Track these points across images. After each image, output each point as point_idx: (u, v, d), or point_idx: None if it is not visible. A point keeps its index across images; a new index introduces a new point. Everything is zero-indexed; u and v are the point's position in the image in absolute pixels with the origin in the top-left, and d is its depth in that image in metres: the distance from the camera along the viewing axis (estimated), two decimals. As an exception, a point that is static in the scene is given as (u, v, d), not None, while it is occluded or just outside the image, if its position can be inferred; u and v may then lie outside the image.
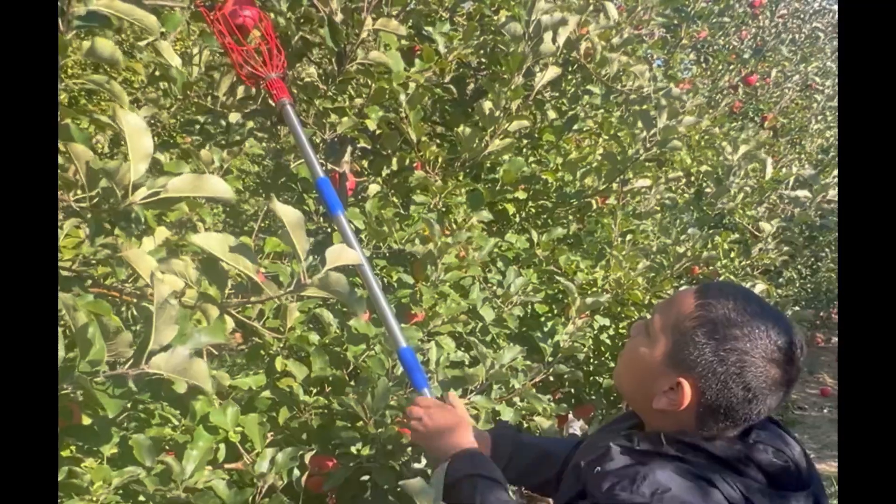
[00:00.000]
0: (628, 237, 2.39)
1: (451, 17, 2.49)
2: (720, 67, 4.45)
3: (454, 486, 1.12)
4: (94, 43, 1.02)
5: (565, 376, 1.96)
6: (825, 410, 4.59)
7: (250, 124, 1.94)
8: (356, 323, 1.84)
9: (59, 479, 1.17)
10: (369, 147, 2.42)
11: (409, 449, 1.64)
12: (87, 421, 1.10)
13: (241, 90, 1.87)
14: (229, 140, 1.92)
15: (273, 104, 1.58)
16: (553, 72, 2.07)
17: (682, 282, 2.46)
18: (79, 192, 1.08)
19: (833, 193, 3.04)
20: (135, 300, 1.20)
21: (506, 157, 2.15)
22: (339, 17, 1.73)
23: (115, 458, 1.35)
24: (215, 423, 1.43)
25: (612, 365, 2.48)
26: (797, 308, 3.12)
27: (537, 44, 1.99)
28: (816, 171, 3.00)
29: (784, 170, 2.97)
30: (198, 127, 1.88)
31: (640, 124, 2.28)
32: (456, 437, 1.24)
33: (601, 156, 2.33)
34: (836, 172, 2.98)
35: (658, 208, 2.40)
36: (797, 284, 4.57)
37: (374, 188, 2.27)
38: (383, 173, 2.44)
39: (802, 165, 4.82)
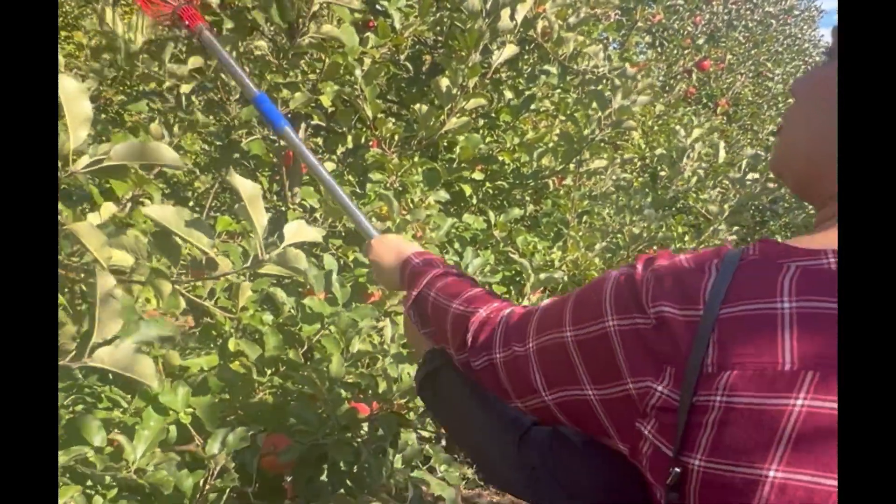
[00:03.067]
0: (584, 218, 2.41)
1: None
2: (675, 52, 4.50)
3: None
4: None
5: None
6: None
7: (197, 102, 1.88)
8: (310, 302, 1.82)
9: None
10: (323, 124, 2.38)
11: (365, 425, 1.63)
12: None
13: (191, 60, 1.82)
14: (178, 115, 1.87)
15: (191, 33, 1.50)
16: (511, 49, 2.06)
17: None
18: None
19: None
20: (81, 276, 1.15)
21: (462, 135, 2.13)
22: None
23: (61, 440, 1.31)
24: (165, 404, 1.40)
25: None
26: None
27: (495, 20, 1.97)
28: (764, 152, 3.05)
29: (738, 154, 3.02)
30: (146, 102, 1.82)
31: (594, 105, 2.29)
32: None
33: (557, 136, 2.33)
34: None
35: (613, 189, 2.41)
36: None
37: (329, 166, 2.23)
38: (338, 151, 2.41)
39: (755, 150, 4.92)
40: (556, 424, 0.81)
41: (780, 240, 0.77)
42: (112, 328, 0.96)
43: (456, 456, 2.91)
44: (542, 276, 1.93)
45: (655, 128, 3.90)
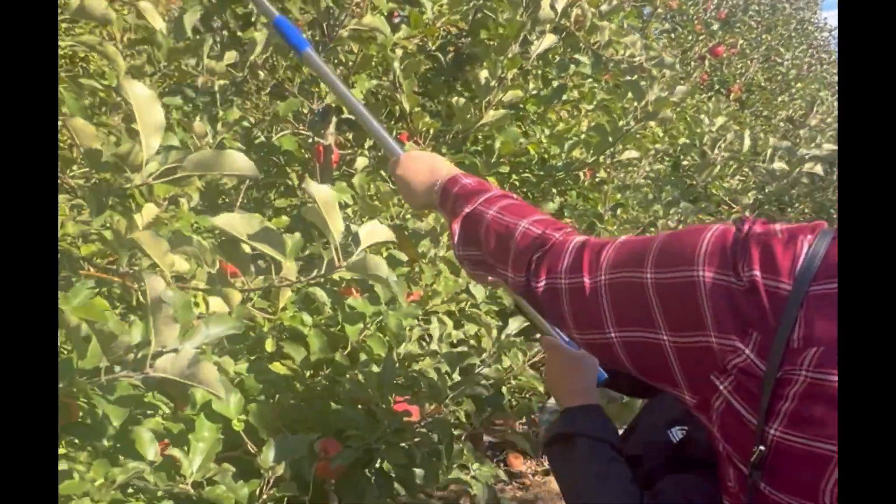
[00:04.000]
0: (618, 211, 2.37)
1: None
2: (690, 38, 4.45)
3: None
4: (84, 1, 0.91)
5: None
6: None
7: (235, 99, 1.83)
8: (353, 301, 1.77)
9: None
10: (353, 118, 2.32)
11: (417, 430, 1.59)
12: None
13: (227, 56, 1.76)
14: (216, 112, 1.82)
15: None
16: (550, 40, 2.01)
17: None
18: (75, 168, 0.98)
19: (809, 166, 3.07)
20: (140, 284, 1.10)
21: (500, 128, 2.08)
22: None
23: (112, 452, 1.26)
24: (219, 412, 1.35)
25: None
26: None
27: (535, 10, 1.92)
28: (794, 145, 3.02)
29: (759, 142, 2.98)
30: (180, 98, 1.76)
31: (629, 95, 2.24)
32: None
33: (590, 128, 2.28)
34: (813, 145, 3.01)
35: (643, 181, 2.37)
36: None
37: (361, 161, 2.18)
38: (365, 145, 2.35)
39: (769, 136, 4.88)
40: (613, 365, 0.80)
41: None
42: (170, 334, 0.92)
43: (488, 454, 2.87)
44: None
45: (674, 115, 3.85)
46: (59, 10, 0.98)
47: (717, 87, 4.91)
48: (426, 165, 1.10)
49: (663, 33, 3.78)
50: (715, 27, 4.54)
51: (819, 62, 6.63)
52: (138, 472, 1.16)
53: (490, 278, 0.98)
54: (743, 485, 0.69)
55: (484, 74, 1.98)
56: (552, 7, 1.92)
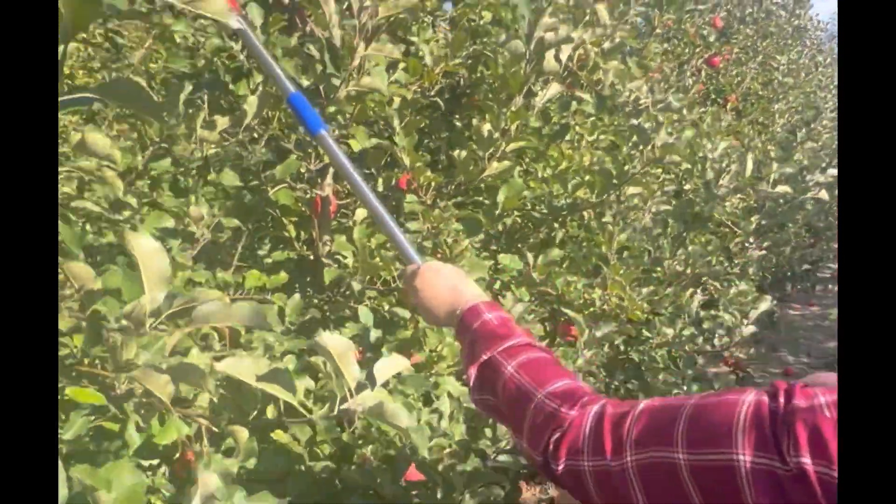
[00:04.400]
0: (624, 253, 2.31)
1: (434, 20, 2.34)
2: (686, 51, 4.39)
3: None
4: (86, 136, 0.85)
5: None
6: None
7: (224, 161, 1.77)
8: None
9: None
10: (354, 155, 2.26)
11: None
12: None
13: (219, 122, 1.70)
14: (205, 174, 1.75)
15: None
16: (555, 88, 1.95)
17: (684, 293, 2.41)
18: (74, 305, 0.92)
19: (814, 192, 3.03)
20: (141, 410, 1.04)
21: (504, 180, 2.03)
22: (337, 42, 1.56)
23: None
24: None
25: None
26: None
27: (539, 62, 1.86)
28: (799, 169, 2.97)
29: (764, 168, 2.93)
30: (169, 160, 1.70)
31: (635, 139, 2.19)
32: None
33: (596, 171, 2.22)
34: (817, 171, 2.97)
35: (651, 223, 2.32)
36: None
37: (360, 213, 2.12)
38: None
39: (767, 147, 4.84)
40: None
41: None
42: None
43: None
44: (598, 333, 1.84)
45: (673, 133, 3.80)
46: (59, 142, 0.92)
47: (713, 96, 4.86)
48: (448, 284, 1.05)
49: (662, 51, 3.72)
50: (712, 38, 4.48)
51: (815, 65, 6.59)
52: None
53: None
54: None
55: (487, 127, 1.92)
56: (556, 59, 1.86)
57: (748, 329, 2.33)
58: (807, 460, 0.61)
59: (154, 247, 0.80)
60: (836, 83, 7.46)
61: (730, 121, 4.75)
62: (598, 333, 1.83)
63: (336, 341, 0.88)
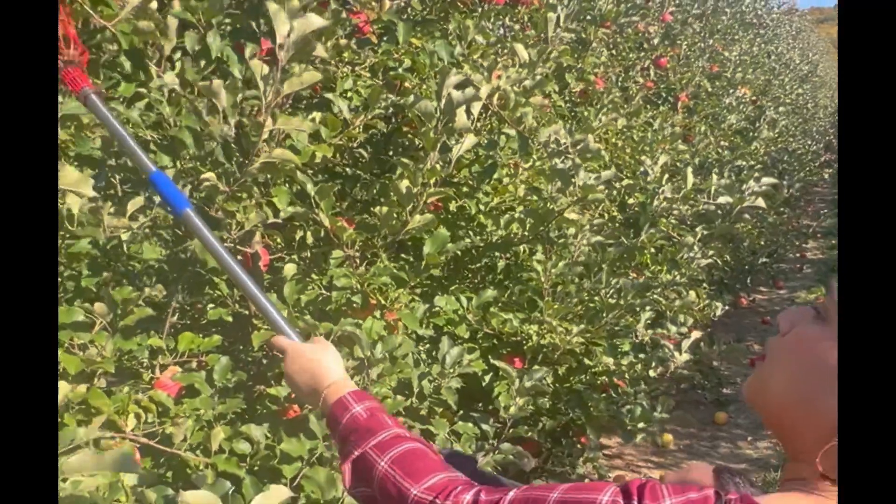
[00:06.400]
0: (558, 288, 2.35)
1: (353, 69, 2.34)
2: (631, 55, 4.42)
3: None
4: None
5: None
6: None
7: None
8: (287, 446, 1.76)
9: None
10: (280, 221, 2.27)
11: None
12: None
13: (131, 204, 1.71)
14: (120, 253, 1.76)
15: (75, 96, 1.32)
16: (470, 142, 1.96)
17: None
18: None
19: (751, 200, 3.08)
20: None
21: (427, 233, 2.05)
22: (232, 135, 1.57)
23: None
24: None
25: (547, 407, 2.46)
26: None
27: (450, 120, 1.88)
28: (735, 180, 3.02)
29: (703, 178, 2.97)
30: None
31: (557, 182, 2.22)
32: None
33: (524, 211, 2.25)
34: (753, 179, 3.01)
35: (583, 256, 2.36)
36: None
37: (290, 268, 2.13)
38: (294, 246, 2.31)
39: (719, 144, 4.89)
40: None
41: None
42: None
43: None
44: (528, 383, 1.87)
45: (619, 143, 3.84)
46: None
47: (664, 95, 4.90)
48: (308, 370, 1.05)
49: (599, 65, 3.74)
50: (656, 41, 4.51)
51: (767, 54, 6.63)
52: None
53: None
54: None
55: (405, 184, 1.94)
56: (468, 113, 1.88)
57: (683, 357, 2.37)
58: None
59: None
60: (789, 68, 7.53)
61: (681, 119, 4.80)
62: (528, 384, 1.86)
63: (200, 496, 0.91)
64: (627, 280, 2.25)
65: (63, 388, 1.22)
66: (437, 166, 1.91)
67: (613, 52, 4.40)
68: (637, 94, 4.04)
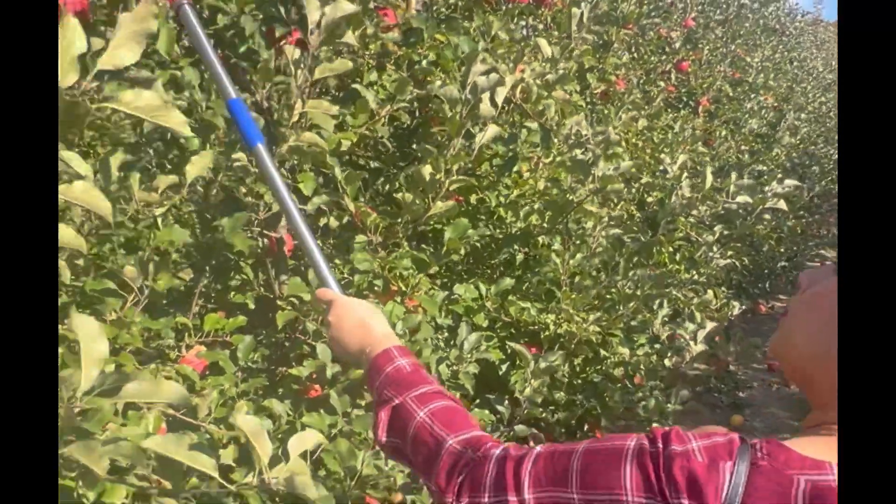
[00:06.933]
0: (576, 279, 2.38)
1: (379, 61, 2.40)
2: (653, 59, 4.45)
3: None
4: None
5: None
6: (773, 388, 4.74)
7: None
8: (308, 419, 1.80)
9: None
10: (305, 208, 2.33)
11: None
12: None
13: (161, 180, 1.77)
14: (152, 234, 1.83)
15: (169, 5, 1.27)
16: (493, 131, 2.01)
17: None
18: None
19: (773, 202, 3.09)
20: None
21: (449, 220, 2.10)
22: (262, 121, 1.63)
23: None
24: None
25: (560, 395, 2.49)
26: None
27: (475, 107, 1.92)
28: (756, 180, 3.03)
29: (723, 180, 2.99)
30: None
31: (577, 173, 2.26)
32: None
33: (543, 203, 2.29)
34: (776, 181, 3.03)
35: (603, 247, 2.39)
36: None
37: (314, 253, 2.18)
38: (321, 225, 2.36)
39: (739, 148, 4.90)
40: None
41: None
42: None
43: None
44: (543, 364, 1.91)
45: (640, 144, 3.86)
46: None
47: (684, 99, 4.92)
48: (358, 322, 1.07)
49: (625, 63, 3.77)
50: (678, 45, 4.54)
51: (789, 61, 6.63)
52: None
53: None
54: None
55: (428, 170, 1.98)
56: (493, 102, 1.92)
57: (698, 348, 2.40)
58: (685, 502, 0.69)
59: (95, 328, 0.88)
60: (812, 76, 7.50)
61: (702, 123, 4.81)
62: (543, 365, 1.90)
63: (248, 422, 0.95)
64: (645, 272, 2.27)
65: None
66: (462, 153, 1.95)
67: (635, 54, 4.43)
68: (658, 96, 4.06)
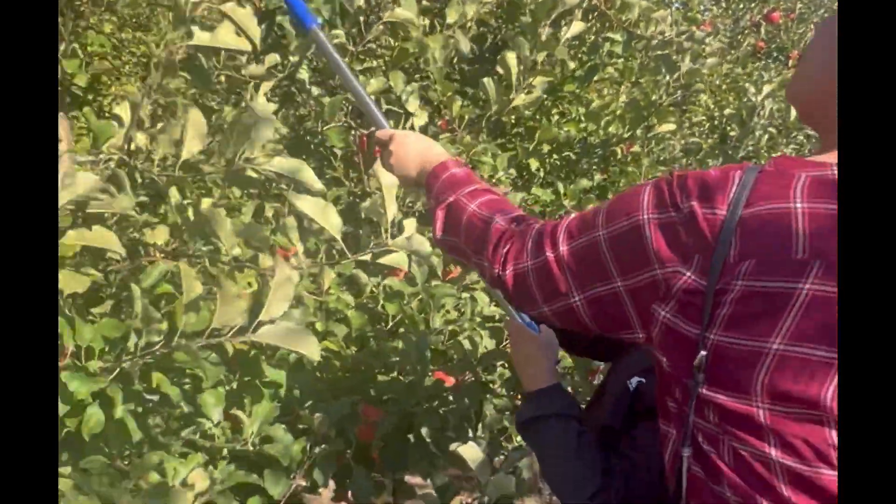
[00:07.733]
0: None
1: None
2: (741, 6, 4.38)
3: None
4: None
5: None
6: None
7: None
8: (391, 282, 1.91)
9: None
10: (395, 108, 2.45)
11: (450, 396, 1.71)
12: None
13: (268, 59, 1.91)
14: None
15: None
16: (578, 26, 2.08)
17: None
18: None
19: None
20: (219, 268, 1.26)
21: (531, 111, 2.17)
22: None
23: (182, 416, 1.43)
24: (274, 380, 1.50)
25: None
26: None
27: (561, -6, 2.00)
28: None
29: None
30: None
31: (663, 70, 2.29)
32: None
33: (624, 104, 2.34)
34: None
35: (682, 154, 2.42)
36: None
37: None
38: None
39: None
40: (577, 328, 0.90)
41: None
42: (278, 309, 1.07)
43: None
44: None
45: (724, 87, 3.83)
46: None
47: (775, 54, 4.81)
48: (420, 146, 1.17)
49: (712, 3, 3.74)
50: (768, -6, 4.45)
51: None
52: (200, 428, 1.33)
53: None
54: (686, 396, 0.78)
55: (512, 57, 2.06)
56: (578, -8, 1.99)
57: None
58: (695, 203, 0.76)
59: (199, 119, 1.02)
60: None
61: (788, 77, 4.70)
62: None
63: (388, 177, 1.06)
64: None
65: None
66: (550, 40, 2.02)
67: (724, 4, 4.38)
68: (745, 41, 4.01)
